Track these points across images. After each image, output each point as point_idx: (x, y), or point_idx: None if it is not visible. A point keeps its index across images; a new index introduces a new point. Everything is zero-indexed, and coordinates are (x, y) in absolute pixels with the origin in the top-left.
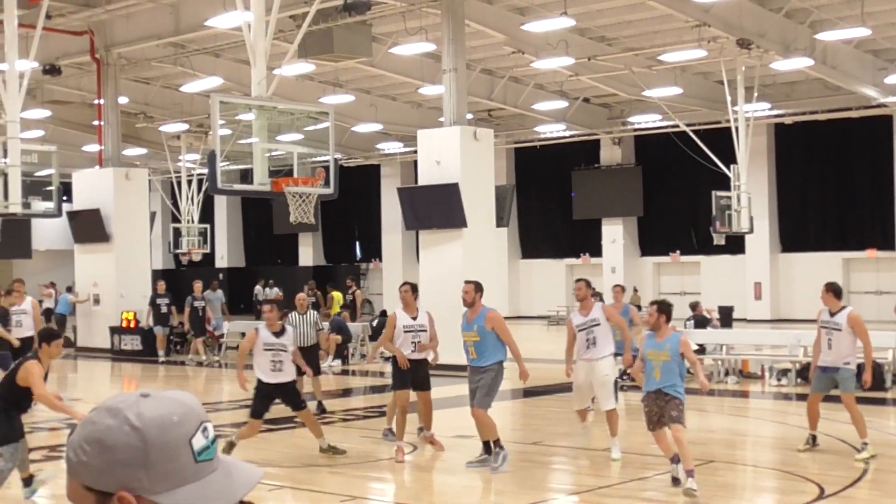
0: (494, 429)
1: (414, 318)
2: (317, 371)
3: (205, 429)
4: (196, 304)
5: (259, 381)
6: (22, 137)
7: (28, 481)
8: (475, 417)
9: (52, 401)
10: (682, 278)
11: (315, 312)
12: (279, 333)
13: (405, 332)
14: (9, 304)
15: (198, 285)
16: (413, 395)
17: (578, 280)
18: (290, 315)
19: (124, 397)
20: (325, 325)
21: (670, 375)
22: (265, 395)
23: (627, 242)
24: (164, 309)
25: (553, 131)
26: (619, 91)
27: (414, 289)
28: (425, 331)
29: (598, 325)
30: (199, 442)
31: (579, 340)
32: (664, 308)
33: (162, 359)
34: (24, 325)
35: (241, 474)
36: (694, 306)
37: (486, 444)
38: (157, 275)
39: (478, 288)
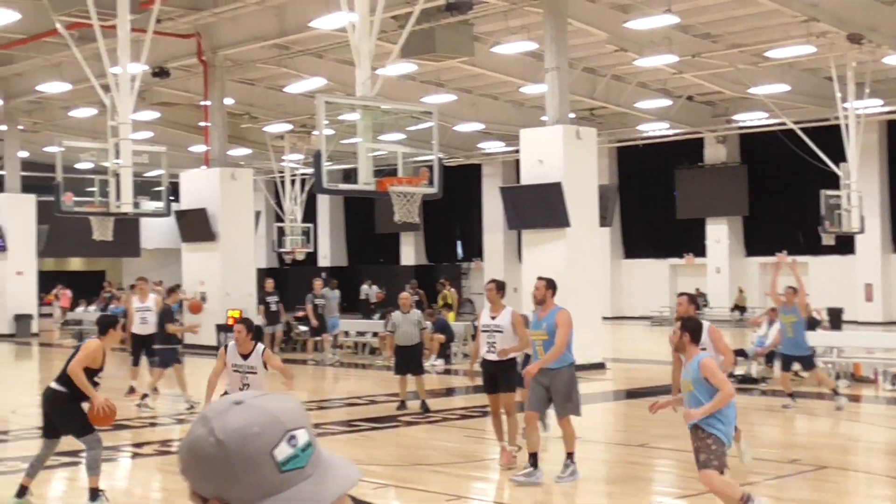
0: (575, 440)
1: (493, 318)
2: (420, 370)
3: (291, 437)
4: (317, 301)
5: None
6: (133, 139)
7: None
8: (562, 427)
9: (82, 377)
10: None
11: (418, 311)
12: (247, 356)
13: (482, 331)
14: (130, 299)
15: (318, 283)
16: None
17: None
18: (393, 314)
19: (218, 405)
20: (429, 324)
21: (695, 406)
22: None
23: (732, 242)
24: (273, 307)
25: (656, 130)
26: (723, 88)
27: (499, 287)
28: (501, 332)
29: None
30: (282, 452)
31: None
32: (688, 326)
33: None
34: (149, 321)
35: (335, 479)
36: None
37: (533, 457)
38: (263, 274)
39: (549, 285)
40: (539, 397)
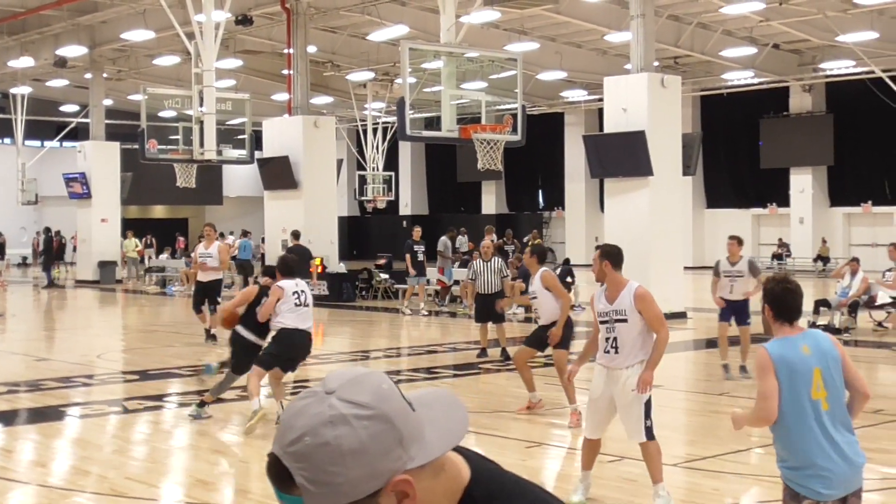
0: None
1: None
2: (501, 318)
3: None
4: (416, 248)
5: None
6: (216, 86)
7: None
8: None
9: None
10: (873, 230)
11: (500, 259)
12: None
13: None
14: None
15: (417, 231)
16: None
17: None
18: (474, 262)
19: (314, 409)
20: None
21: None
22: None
23: (816, 192)
24: (420, 257)
25: (741, 78)
26: (810, 36)
27: (535, 254)
28: (536, 297)
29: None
30: (402, 392)
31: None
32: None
33: (408, 312)
34: (210, 267)
35: (428, 397)
36: None
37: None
38: (345, 222)
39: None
40: None
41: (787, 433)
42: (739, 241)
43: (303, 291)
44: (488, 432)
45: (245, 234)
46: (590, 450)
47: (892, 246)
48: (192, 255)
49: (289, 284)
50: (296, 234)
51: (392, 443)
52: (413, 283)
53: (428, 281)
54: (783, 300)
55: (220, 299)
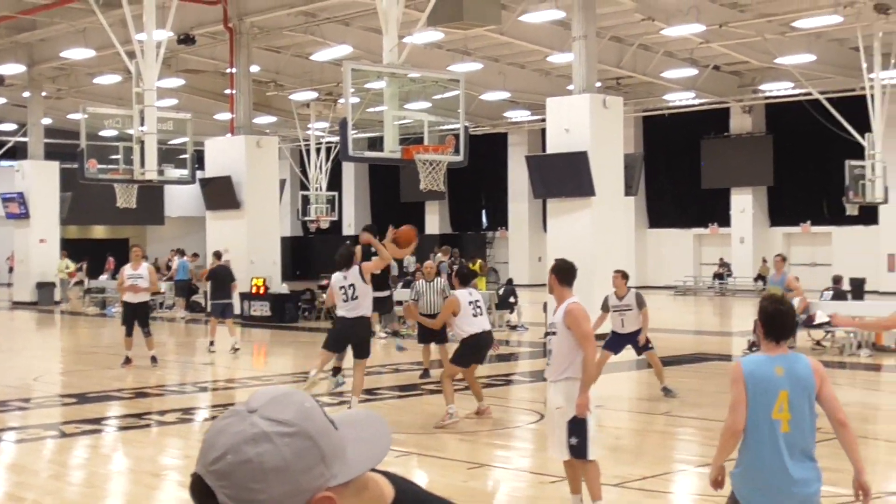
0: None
1: (470, 294)
2: (443, 339)
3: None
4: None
5: None
6: (158, 106)
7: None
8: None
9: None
10: (813, 249)
11: (442, 279)
12: None
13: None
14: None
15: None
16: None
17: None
18: (417, 282)
19: (236, 428)
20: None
21: None
22: None
23: (757, 212)
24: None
25: (682, 99)
26: (750, 58)
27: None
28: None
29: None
30: (324, 410)
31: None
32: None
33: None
34: (142, 288)
35: (352, 416)
36: (837, 279)
37: None
38: (287, 242)
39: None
40: None
41: (743, 444)
42: (624, 275)
43: (351, 285)
44: (431, 453)
45: (181, 253)
46: (569, 470)
47: (778, 257)
48: (119, 276)
49: (337, 277)
50: (217, 255)
51: (314, 460)
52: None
53: (400, 303)
54: (774, 319)
55: (149, 321)
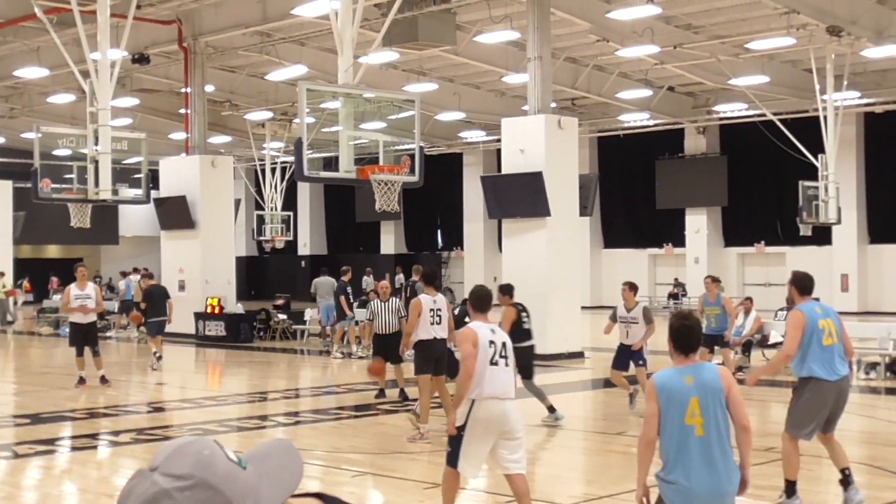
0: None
1: (434, 302)
2: (399, 359)
3: (215, 441)
4: (348, 289)
5: None
6: (112, 125)
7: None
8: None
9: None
10: (766, 269)
11: (397, 300)
12: None
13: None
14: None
15: (348, 273)
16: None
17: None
18: (372, 302)
19: (140, 489)
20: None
21: None
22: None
23: (711, 233)
24: (351, 298)
25: (637, 120)
26: (704, 79)
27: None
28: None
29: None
30: (228, 453)
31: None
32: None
33: (339, 356)
34: (91, 309)
35: (259, 451)
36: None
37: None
38: (242, 262)
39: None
40: None
41: (663, 450)
42: (632, 287)
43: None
44: (386, 474)
45: (125, 274)
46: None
47: (709, 279)
48: (64, 296)
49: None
50: (150, 275)
51: None
52: (344, 325)
53: (357, 322)
54: (680, 334)
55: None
